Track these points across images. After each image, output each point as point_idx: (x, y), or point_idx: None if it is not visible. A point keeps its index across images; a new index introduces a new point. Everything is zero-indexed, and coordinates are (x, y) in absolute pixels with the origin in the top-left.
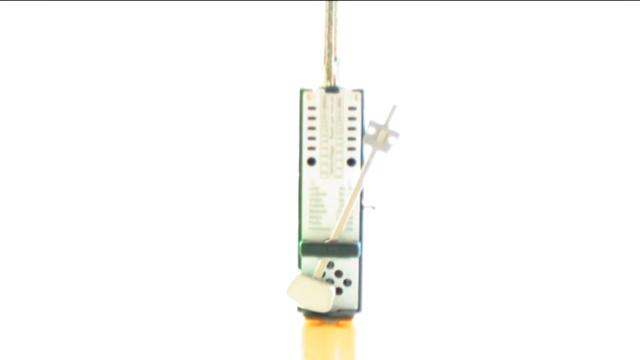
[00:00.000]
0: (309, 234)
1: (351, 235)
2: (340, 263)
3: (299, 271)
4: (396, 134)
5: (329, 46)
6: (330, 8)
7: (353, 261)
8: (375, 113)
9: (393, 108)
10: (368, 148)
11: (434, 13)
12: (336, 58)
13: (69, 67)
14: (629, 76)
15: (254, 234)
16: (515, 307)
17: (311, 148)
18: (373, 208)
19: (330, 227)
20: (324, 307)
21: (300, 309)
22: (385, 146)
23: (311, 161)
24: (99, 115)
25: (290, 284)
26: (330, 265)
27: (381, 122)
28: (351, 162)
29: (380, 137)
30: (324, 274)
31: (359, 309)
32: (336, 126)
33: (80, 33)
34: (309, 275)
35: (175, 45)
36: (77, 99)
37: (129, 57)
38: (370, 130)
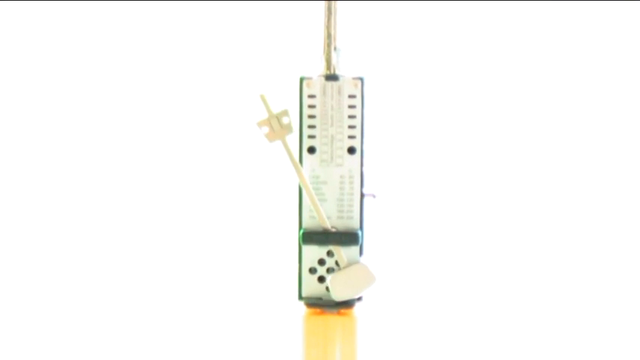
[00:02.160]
0: (309, 223)
1: (352, 224)
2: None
3: (329, 277)
4: (285, 113)
5: (328, 36)
6: None
7: (354, 249)
8: (375, 101)
9: (262, 98)
10: (277, 144)
11: (433, 4)
12: (335, 48)
13: (68, 67)
14: (628, 77)
15: (254, 224)
16: (514, 299)
17: (311, 137)
18: (374, 196)
19: (330, 216)
20: (372, 280)
21: (301, 297)
22: (287, 129)
23: (311, 150)
24: (99, 115)
25: (332, 290)
26: (330, 253)
27: (265, 116)
28: (351, 150)
29: (275, 127)
30: (324, 264)
31: (360, 297)
32: (336, 114)
33: (80, 33)
34: (337, 271)
35: (173, 34)
36: (77, 99)
37: (123, 48)
38: (264, 130)
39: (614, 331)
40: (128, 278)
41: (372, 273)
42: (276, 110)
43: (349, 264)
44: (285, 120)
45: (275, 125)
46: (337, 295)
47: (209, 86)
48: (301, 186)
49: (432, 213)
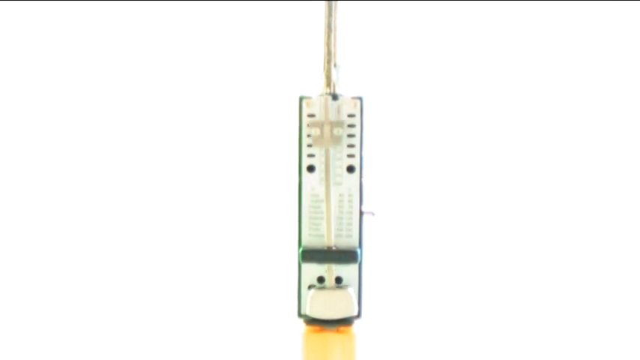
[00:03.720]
0: (308, 241)
1: (351, 242)
2: (340, 269)
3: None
4: (340, 125)
5: (328, 52)
6: (330, 15)
7: (353, 267)
8: (375, 120)
9: (325, 100)
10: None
11: (433, 19)
12: (335, 65)
13: (67, 67)
14: (628, 76)
15: (254, 241)
16: (514, 314)
17: (310, 156)
18: (373, 214)
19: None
20: (350, 311)
21: (300, 314)
22: (336, 140)
23: (310, 168)
24: (95, 123)
25: (309, 303)
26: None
27: (321, 119)
28: (350, 169)
29: (326, 133)
30: (324, 281)
31: (359, 315)
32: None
33: (80, 35)
34: (322, 287)
35: (173, 49)
36: (77, 101)
37: (133, 72)
38: (314, 132)
39: (612, 331)
40: (127, 291)
41: (355, 305)
42: (333, 117)
43: (337, 286)
44: (337, 131)
45: (326, 132)
46: (312, 311)
47: (207, 103)
48: (325, 199)
49: (432, 231)
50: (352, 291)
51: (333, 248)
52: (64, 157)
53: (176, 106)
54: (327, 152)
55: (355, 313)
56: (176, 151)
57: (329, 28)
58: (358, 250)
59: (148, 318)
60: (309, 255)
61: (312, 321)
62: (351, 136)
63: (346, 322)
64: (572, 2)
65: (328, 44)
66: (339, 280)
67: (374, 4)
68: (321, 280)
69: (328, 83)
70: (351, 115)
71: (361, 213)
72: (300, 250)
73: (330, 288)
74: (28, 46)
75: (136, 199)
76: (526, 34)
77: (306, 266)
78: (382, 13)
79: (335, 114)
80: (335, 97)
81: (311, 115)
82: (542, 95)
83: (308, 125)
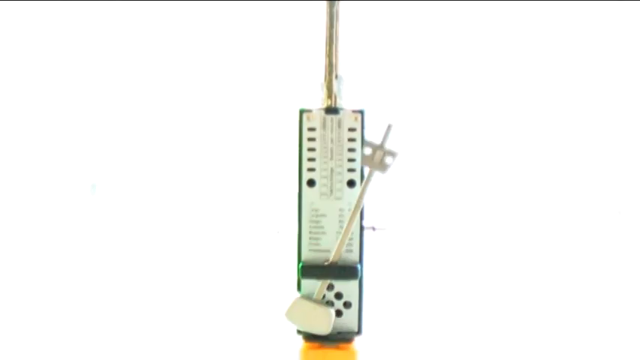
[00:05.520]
0: (308, 255)
1: (351, 257)
2: (340, 285)
3: (298, 294)
4: (393, 154)
5: (329, 64)
6: (331, 27)
7: (353, 283)
8: (374, 133)
9: (389, 127)
10: (366, 169)
11: (434, 32)
12: (337, 77)
13: (67, 68)
14: (626, 77)
15: (253, 256)
16: (515, 333)
17: (311, 170)
18: (373, 229)
19: (329, 249)
20: (324, 330)
21: (299, 331)
22: (382, 167)
23: (311, 182)
24: (94, 130)
25: (289, 307)
26: (330, 287)
27: (377, 142)
28: (350, 183)
29: (377, 157)
30: (323, 296)
31: (359, 331)
32: (336, 147)
33: (82, 40)
34: (308, 298)
35: (175, 62)
36: (77, 103)
37: (135, 86)
38: (367, 151)
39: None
40: (126, 299)
41: (329, 326)
42: (389, 146)
43: (321, 303)
44: (387, 160)
45: (377, 156)
46: (288, 315)
47: (208, 115)
48: (350, 218)
49: (433, 246)
50: (333, 312)
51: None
52: (64, 156)
53: (177, 119)
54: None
55: (326, 333)
56: (176, 166)
57: (330, 39)
58: (359, 266)
59: (146, 333)
60: (309, 270)
61: (310, 337)
62: (351, 150)
63: (346, 338)
64: (572, 2)
65: (329, 56)
66: (339, 295)
67: (376, 15)
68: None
69: (329, 95)
70: (351, 129)
71: (362, 228)
72: (300, 265)
73: (315, 301)
74: (28, 46)
75: (136, 209)
76: (529, 45)
77: (305, 282)
78: (385, 23)
79: (335, 128)
80: (335, 110)
81: (311, 129)
82: (544, 107)
83: (366, 144)
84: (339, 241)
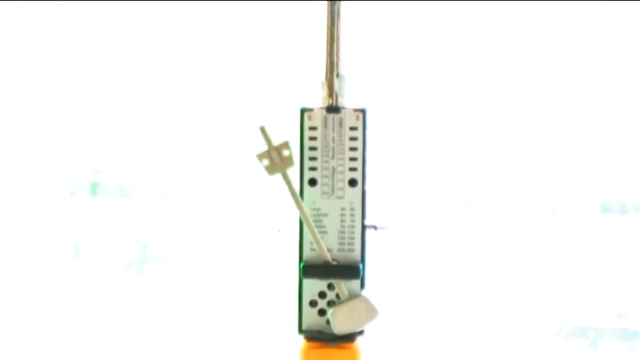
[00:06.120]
0: (309, 255)
1: (353, 256)
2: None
3: (330, 310)
4: (284, 145)
5: (331, 63)
6: (332, 25)
7: (355, 282)
8: (376, 131)
9: (262, 130)
10: (277, 177)
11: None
12: (338, 75)
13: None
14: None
15: (254, 255)
16: (517, 332)
17: (312, 169)
18: (375, 228)
19: (331, 248)
20: (375, 314)
21: (301, 330)
22: (287, 162)
23: (312, 182)
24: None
25: (334, 324)
26: (331, 286)
27: (264, 148)
28: (352, 182)
29: (276, 159)
30: (325, 297)
31: (361, 331)
32: (338, 146)
33: (83, 42)
34: (338, 304)
35: (174, 60)
36: (78, 104)
37: (137, 82)
38: (264, 162)
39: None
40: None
41: (375, 307)
42: (276, 142)
43: (350, 297)
44: (285, 152)
45: (275, 158)
46: (339, 329)
47: (208, 114)
48: (302, 219)
49: (436, 245)
50: (365, 294)
51: (334, 263)
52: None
53: (176, 118)
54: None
55: (378, 314)
56: (175, 165)
57: (331, 38)
58: (360, 265)
59: (145, 332)
60: (311, 270)
61: (312, 337)
62: (353, 149)
63: (348, 338)
64: (572, 2)
65: (331, 54)
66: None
67: (377, 14)
68: (322, 295)
69: (331, 94)
70: (353, 128)
71: (363, 227)
72: (301, 265)
73: (345, 301)
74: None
75: (136, 209)
76: (531, 46)
77: (307, 281)
78: (386, 22)
79: (337, 127)
80: (337, 109)
81: (312, 128)
82: (545, 113)
83: (257, 157)
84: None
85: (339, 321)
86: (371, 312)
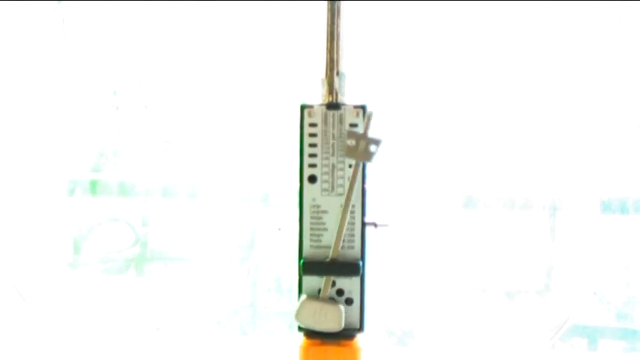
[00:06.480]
0: (309, 252)
1: (353, 254)
2: (342, 282)
3: (303, 296)
4: (376, 142)
5: (331, 60)
6: (332, 23)
7: (355, 279)
8: (376, 129)
9: (369, 116)
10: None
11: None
12: (338, 73)
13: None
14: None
15: (253, 252)
16: (516, 326)
17: (312, 166)
18: (375, 225)
19: (331, 245)
20: (336, 327)
21: (300, 328)
22: (367, 156)
23: (312, 178)
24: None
25: (297, 309)
26: (332, 283)
27: (360, 132)
28: None
29: (361, 147)
30: (330, 292)
31: (361, 328)
32: (338, 143)
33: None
34: (315, 297)
35: (174, 59)
36: (78, 106)
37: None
38: (350, 142)
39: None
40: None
41: (341, 322)
42: (372, 135)
43: (328, 300)
44: (372, 147)
45: (361, 145)
46: (298, 318)
47: (208, 111)
48: (342, 212)
49: (435, 243)
50: (342, 307)
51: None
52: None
53: (174, 115)
54: (356, 165)
55: (339, 329)
56: (173, 161)
57: (332, 35)
58: (360, 263)
59: (144, 329)
60: (310, 267)
61: (312, 334)
62: None
63: (348, 335)
64: (572, 1)
65: (331, 52)
66: (340, 292)
67: (378, 11)
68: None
69: (330, 91)
70: (353, 125)
71: (364, 224)
72: (301, 262)
73: (322, 299)
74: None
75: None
76: (532, 44)
77: (306, 278)
78: (386, 19)
79: (337, 124)
80: (337, 106)
81: (312, 125)
82: (546, 111)
83: (348, 135)
84: (335, 238)
85: (305, 311)
86: (335, 323)
